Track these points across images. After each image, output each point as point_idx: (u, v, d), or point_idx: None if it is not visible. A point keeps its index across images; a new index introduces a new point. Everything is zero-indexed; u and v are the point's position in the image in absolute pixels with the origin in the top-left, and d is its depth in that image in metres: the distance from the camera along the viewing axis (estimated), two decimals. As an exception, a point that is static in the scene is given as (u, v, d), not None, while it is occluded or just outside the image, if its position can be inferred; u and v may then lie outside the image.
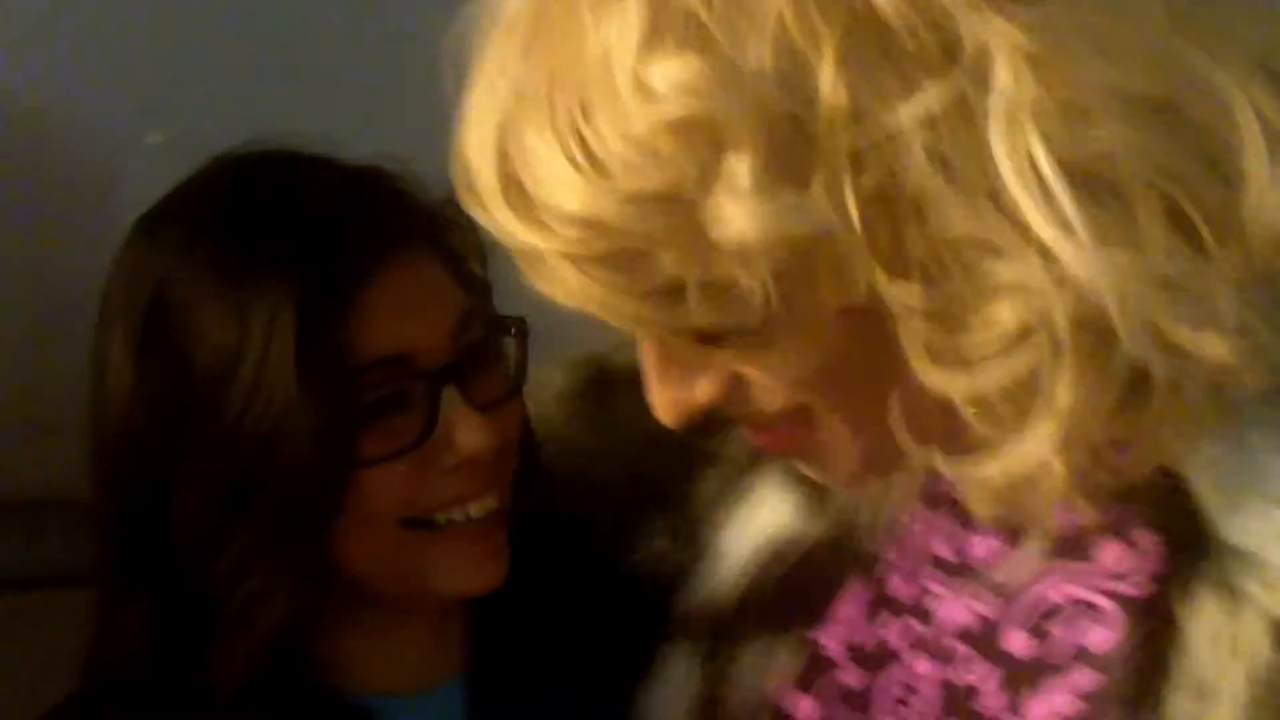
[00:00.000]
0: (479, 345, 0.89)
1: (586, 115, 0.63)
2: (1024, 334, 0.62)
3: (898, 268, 0.63)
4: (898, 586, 0.85)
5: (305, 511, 0.85)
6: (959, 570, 0.82)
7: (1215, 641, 0.67)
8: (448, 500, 0.89)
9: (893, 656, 0.83)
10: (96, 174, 1.13)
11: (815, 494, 0.88)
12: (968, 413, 0.65)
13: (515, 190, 0.65)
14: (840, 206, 0.61)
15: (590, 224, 0.64)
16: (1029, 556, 0.77)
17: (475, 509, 0.89)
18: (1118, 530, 0.74)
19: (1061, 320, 0.61)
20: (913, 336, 0.64)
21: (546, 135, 0.64)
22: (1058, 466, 0.65)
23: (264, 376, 0.82)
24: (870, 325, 0.65)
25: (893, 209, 0.62)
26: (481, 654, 0.95)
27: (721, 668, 0.89)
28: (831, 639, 0.87)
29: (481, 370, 0.89)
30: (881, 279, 0.63)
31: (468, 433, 0.87)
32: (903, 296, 0.63)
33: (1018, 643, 0.76)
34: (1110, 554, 0.74)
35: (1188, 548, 0.69)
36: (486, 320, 0.91)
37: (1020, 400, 0.64)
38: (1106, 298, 0.60)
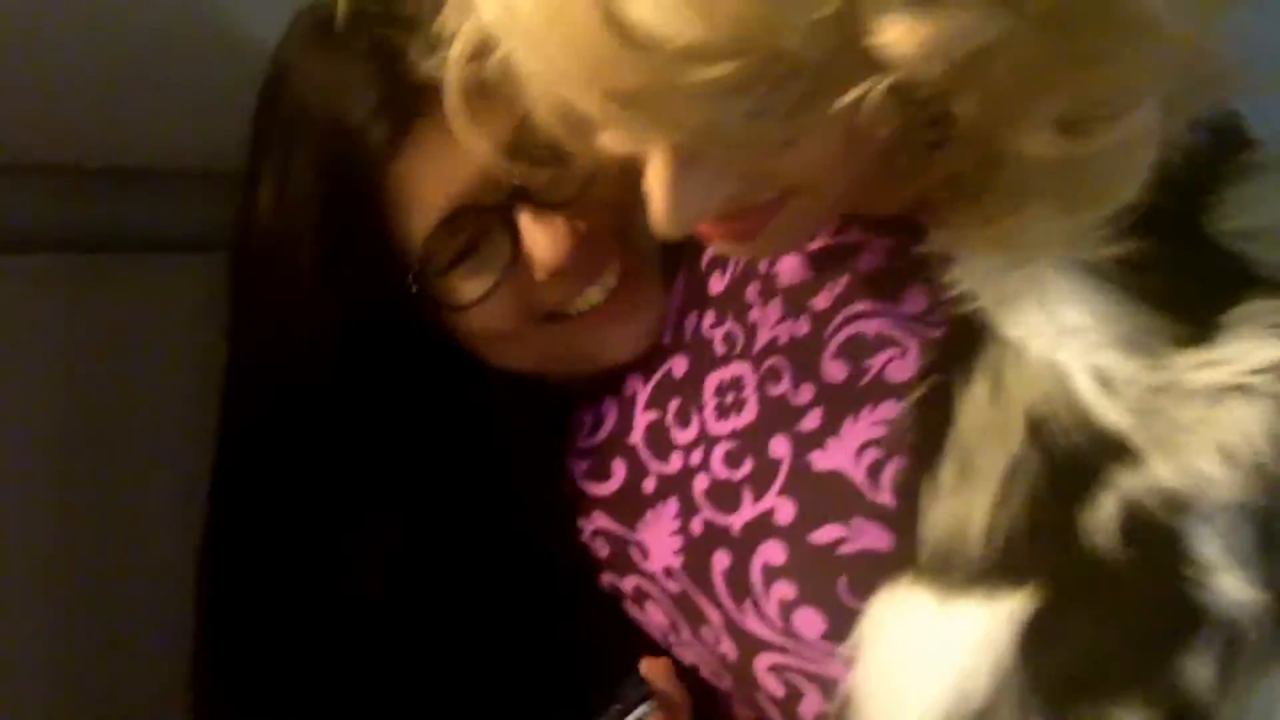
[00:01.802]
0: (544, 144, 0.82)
1: None
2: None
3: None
4: (715, 285, 0.94)
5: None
6: (770, 285, 0.89)
7: (981, 430, 0.73)
8: (564, 297, 0.91)
9: (720, 360, 0.92)
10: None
11: None
12: (1058, 170, 0.66)
13: (616, 26, 0.59)
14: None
15: (739, 49, 0.59)
16: (840, 288, 0.85)
17: (595, 294, 0.91)
18: (924, 276, 0.81)
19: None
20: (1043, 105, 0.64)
21: None
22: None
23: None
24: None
25: None
26: None
27: None
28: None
29: (558, 158, 0.81)
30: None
31: (545, 248, 0.87)
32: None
33: (836, 371, 0.84)
34: (916, 297, 0.82)
35: (963, 328, 0.75)
36: None
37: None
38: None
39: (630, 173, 0.75)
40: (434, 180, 0.86)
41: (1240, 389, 0.69)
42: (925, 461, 0.76)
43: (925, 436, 0.76)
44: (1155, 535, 0.68)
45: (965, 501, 0.73)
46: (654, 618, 0.94)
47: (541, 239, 0.88)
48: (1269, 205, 0.74)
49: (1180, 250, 0.73)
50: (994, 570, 0.71)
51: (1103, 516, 0.69)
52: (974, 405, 0.74)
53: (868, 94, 0.61)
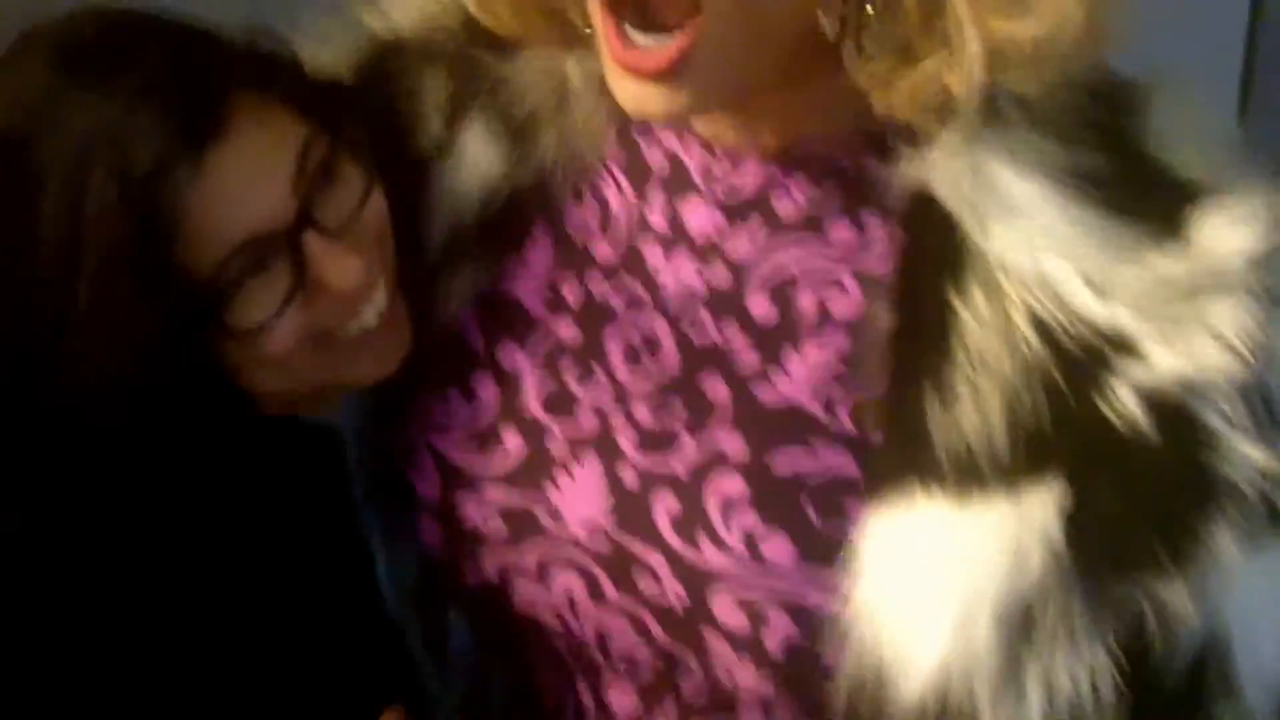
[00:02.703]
0: (323, 166, 0.87)
1: None
2: None
3: None
4: (599, 249, 0.93)
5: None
6: (676, 240, 0.90)
7: (987, 338, 0.77)
8: (344, 319, 0.89)
9: (622, 318, 0.91)
10: None
11: (519, 146, 0.94)
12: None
13: None
14: None
15: None
16: (758, 232, 0.87)
17: (370, 315, 0.90)
18: (847, 214, 0.84)
19: None
20: None
21: None
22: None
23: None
24: None
25: None
26: None
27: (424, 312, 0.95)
28: (526, 293, 0.95)
29: (333, 186, 0.87)
30: None
31: (339, 272, 0.87)
32: None
33: (761, 307, 0.86)
34: (842, 234, 0.85)
35: (940, 247, 0.79)
36: (327, 131, 0.88)
37: None
38: None
39: (390, 196, 0.88)
40: (228, 211, 0.85)
41: (1219, 279, 0.75)
42: (923, 377, 0.78)
43: (916, 353, 0.79)
44: (1173, 416, 0.74)
45: (979, 406, 0.76)
46: (560, 584, 0.91)
47: (333, 264, 0.88)
48: (1189, 114, 0.82)
49: (1124, 160, 0.80)
50: (1018, 467, 0.75)
51: (1120, 403, 0.74)
52: (974, 315, 0.78)
53: None
